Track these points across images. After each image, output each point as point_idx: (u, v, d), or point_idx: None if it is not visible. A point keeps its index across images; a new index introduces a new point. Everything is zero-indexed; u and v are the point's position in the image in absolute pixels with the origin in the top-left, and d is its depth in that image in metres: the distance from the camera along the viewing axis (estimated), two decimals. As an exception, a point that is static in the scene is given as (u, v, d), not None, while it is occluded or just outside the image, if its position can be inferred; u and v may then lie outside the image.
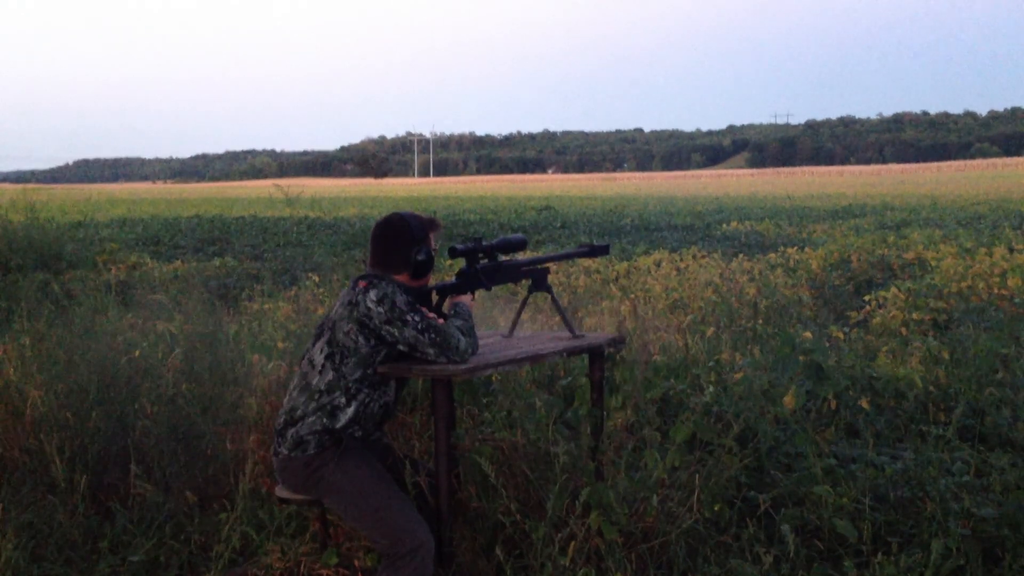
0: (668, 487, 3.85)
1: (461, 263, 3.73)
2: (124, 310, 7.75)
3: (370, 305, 3.23)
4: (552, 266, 11.67)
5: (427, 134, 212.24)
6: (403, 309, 3.23)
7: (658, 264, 11.97)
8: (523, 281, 3.85)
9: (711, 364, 5.92)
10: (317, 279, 10.41)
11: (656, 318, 8.23)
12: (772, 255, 12.17)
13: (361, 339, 3.25)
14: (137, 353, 5.28)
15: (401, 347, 3.25)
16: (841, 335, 7.16)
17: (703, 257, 12.51)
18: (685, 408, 4.83)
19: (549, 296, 3.83)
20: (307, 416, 3.27)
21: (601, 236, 17.31)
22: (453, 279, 3.64)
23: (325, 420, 3.25)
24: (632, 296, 9.33)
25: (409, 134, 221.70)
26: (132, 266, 13.09)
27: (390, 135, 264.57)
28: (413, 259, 3.39)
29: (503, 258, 3.74)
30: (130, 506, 4.38)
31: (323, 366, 3.29)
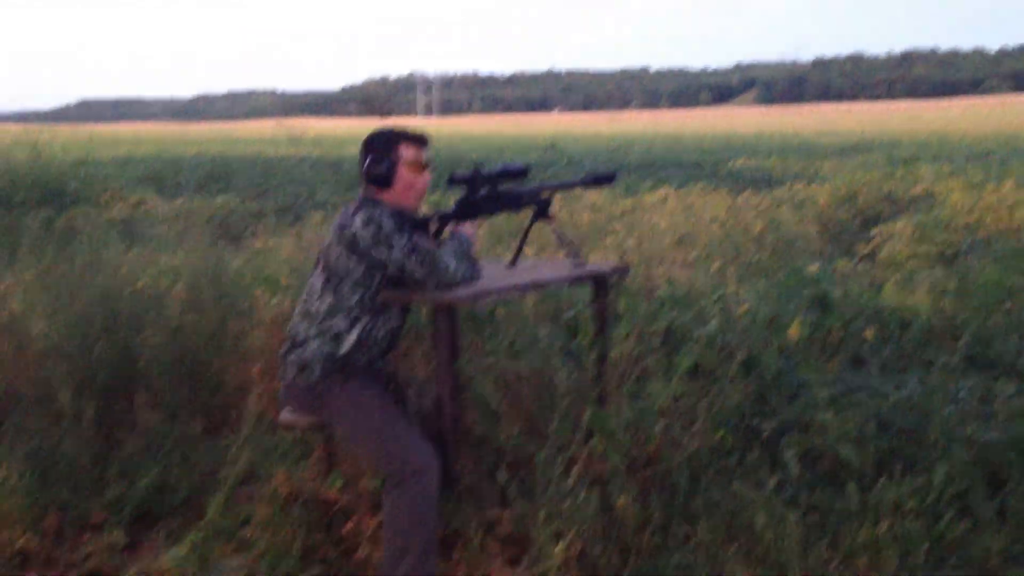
0: (671, 415, 3.85)
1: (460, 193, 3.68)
2: (128, 245, 7.74)
3: (357, 227, 3.20)
4: (557, 202, 11.63)
5: (430, 74, 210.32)
6: (389, 232, 3.19)
7: (664, 200, 11.91)
8: (525, 210, 3.81)
9: (716, 297, 5.91)
10: (320, 217, 10.39)
11: (661, 253, 8.21)
12: (779, 191, 12.10)
13: (352, 262, 3.22)
14: (140, 284, 5.28)
15: (391, 270, 3.22)
16: (848, 267, 7.15)
17: (710, 193, 12.43)
18: (689, 339, 4.83)
19: (552, 226, 3.79)
20: (309, 340, 3.26)
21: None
22: (453, 207, 3.60)
23: (328, 346, 3.24)
24: (637, 232, 9.30)
25: (412, 74, 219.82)
26: (135, 204, 13.04)
27: (393, 75, 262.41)
28: (372, 171, 3.33)
29: (504, 187, 3.70)
30: (137, 434, 4.41)
31: (321, 291, 3.28)
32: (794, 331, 5.07)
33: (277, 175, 17.37)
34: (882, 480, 3.54)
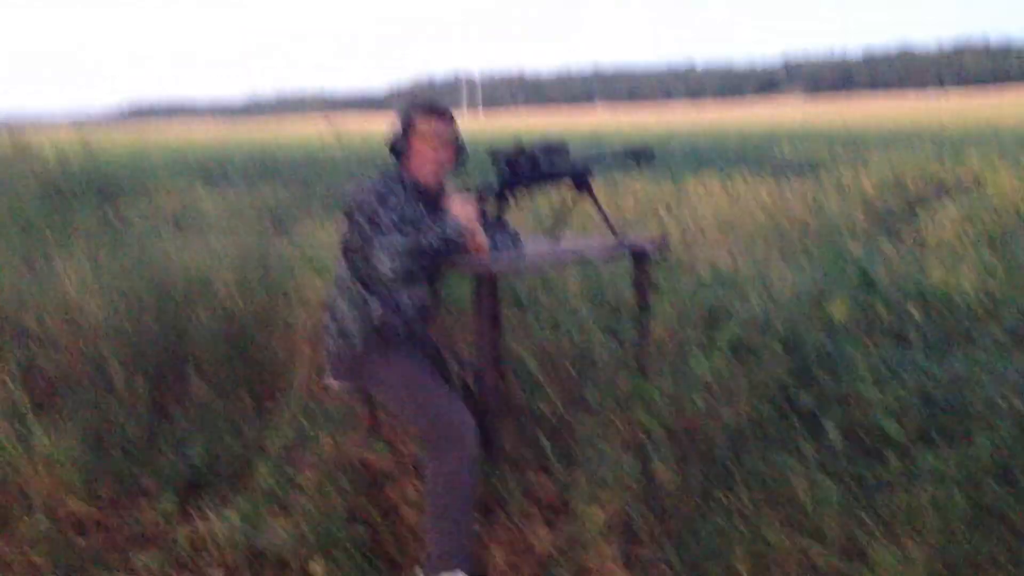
0: (712, 388, 3.88)
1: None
2: (178, 232, 7.90)
3: (348, 197, 3.29)
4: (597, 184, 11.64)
5: (475, 72, 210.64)
6: (360, 207, 3.22)
7: (707, 189, 11.86)
8: (565, 186, 3.84)
9: (758, 278, 5.91)
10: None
11: (705, 238, 8.21)
12: (825, 178, 12.00)
13: (353, 232, 3.28)
14: (190, 266, 5.40)
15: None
16: (894, 250, 7.09)
17: (754, 181, 12.36)
18: (731, 317, 4.84)
19: (592, 200, 3.82)
20: (342, 307, 3.34)
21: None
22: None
23: (359, 313, 3.30)
24: (680, 218, 9.30)
25: (457, 73, 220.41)
26: (185, 196, 13.25)
27: (439, 75, 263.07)
28: (389, 140, 3.41)
29: (545, 162, 3.74)
30: (187, 407, 4.52)
31: (341, 261, 3.37)
32: (838, 309, 5.06)
33: (323, 169, 17.52)
34: (924, 451, 3.54)
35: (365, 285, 3.31)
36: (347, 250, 3.33)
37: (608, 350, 3.86)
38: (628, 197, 10.55)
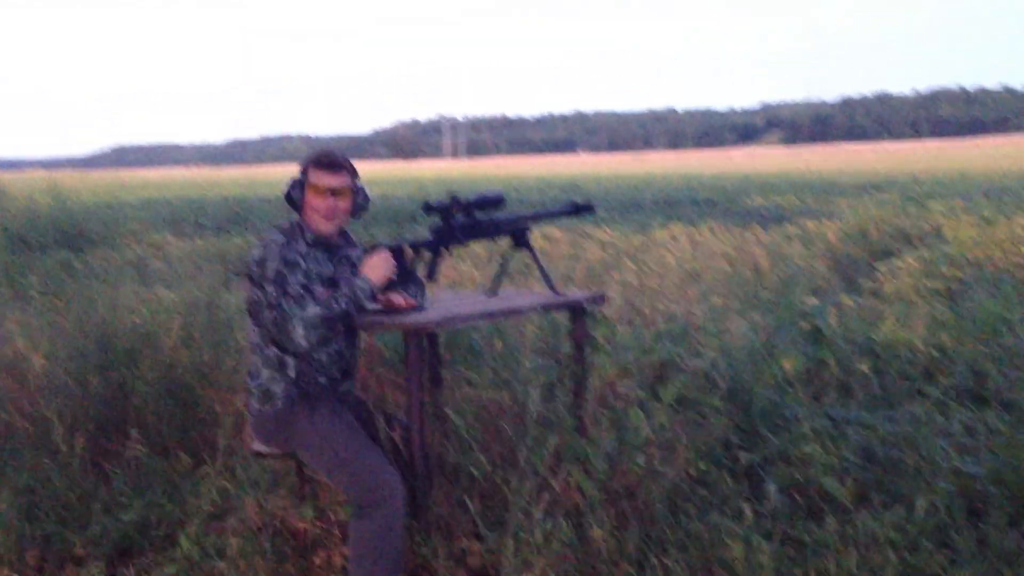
0: (653, 445, 3.84)
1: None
2: (138, 283, 7.84)
3: (252, 261, 3.26)
4: (561, 238, 11.66)
5: (459, 116, 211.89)
6: (270, 276, 3.18)
7: (675, 237, 11.92)
8: (503, 239, 3.83)
9: (712, 330, 5.90)
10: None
11: (667, 288, 8.21)
12: (789, 227, 12.08)
13: (259, 293, 3.24)
14: (136, 320, 5.34)
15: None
16: (851, 302, 7.10)
17: (721, 230, 12.44)
18: (679, 370, 4.82)
19: (531, 254, 3.81)
20: (261, 370, 3.31)
21: (621, 212, 17.24)
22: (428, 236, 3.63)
23: (278, 373, 3.28)
24: (644, 268, 9.31)
25: (441, 117, 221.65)
26: (152, 245, 13.21)
27: (422, 118, 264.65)
28: (287, 193, 3.40)
29: (482, 215, 3.73)
30: (126, 469, 4.45)
31: (252, 322, 3.33)
32: (788, 364, 5.06)
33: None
34: (862, 512, 3.51)
35: (280, 346, 3.27)
36: (255, 314, 3.30)
37: (545, 406, 3.82)
38: (593, 248, 10.56)
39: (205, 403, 4.77)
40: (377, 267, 3.31)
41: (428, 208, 3.61)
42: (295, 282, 3.18)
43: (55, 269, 9.52)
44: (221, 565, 3.27)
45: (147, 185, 38.47)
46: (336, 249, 3.45)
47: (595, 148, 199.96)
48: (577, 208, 3.96)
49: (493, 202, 3.72)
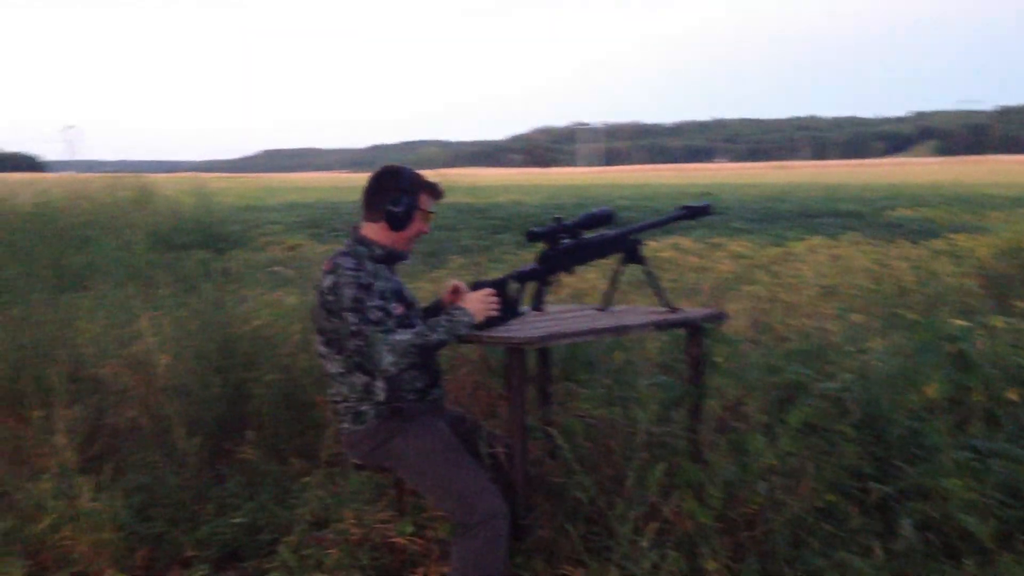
0: (776, 473, 3.61)
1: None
2: (266, 286, 7.98)
3: (325, 291, 3.17)
4: (692, 248, 11.36)
5: (595, 123, 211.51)
6: (347, 305, 3.10)
7: (813, 250, 11.46)
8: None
9: (849, 351, 5.58)
10: (461, 262, 10.46)
11: (801, 305, 7.87)
12: (938, 242, 11.46)
13: (337, 321, 3.15)
14: (256, 324, 5.40)
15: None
16: (1002, 324, 6.63)
17: (862, 244, 11.91)
18: (808, 394, 4.56)
19: (644, 270, 3.64)
20: (348, 398, 3.23)
21: (758, 223, 16.74)
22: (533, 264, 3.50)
23: (365, 397, 3.20)
24: (779, 282, 8.96)
25: (577, 124, 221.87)
26: (290, 247, 13.52)
27: (559, 124, 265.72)
28: (390, 208, 3.25)
29: (589, 235, 3.58)
30: (239, 471, 4.48)
31: (327, 354, 3.25)
32: (930, 389, 4.73)
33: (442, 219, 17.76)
34: (1004, 554, 3.21)
35: (366, 372, 3.19)
36: (334, 344, 3.21)
37: (659, 428, 3.64)
38: (725, 260, 10.24)
39: (319, 409, 4.77)
40: (479, 303, 3.22)
41: (532, 236, 3.47)
42: (373, 306, 3.10)
43: (193, 269, 9.79)
44: (320, 576, 3.21)
45: (291, 189, 39.64)
46: (397, 258, 3.39)
47: (735, 157, 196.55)
48: (691, 211, 3.77)
49: (601, 220, 3.56)
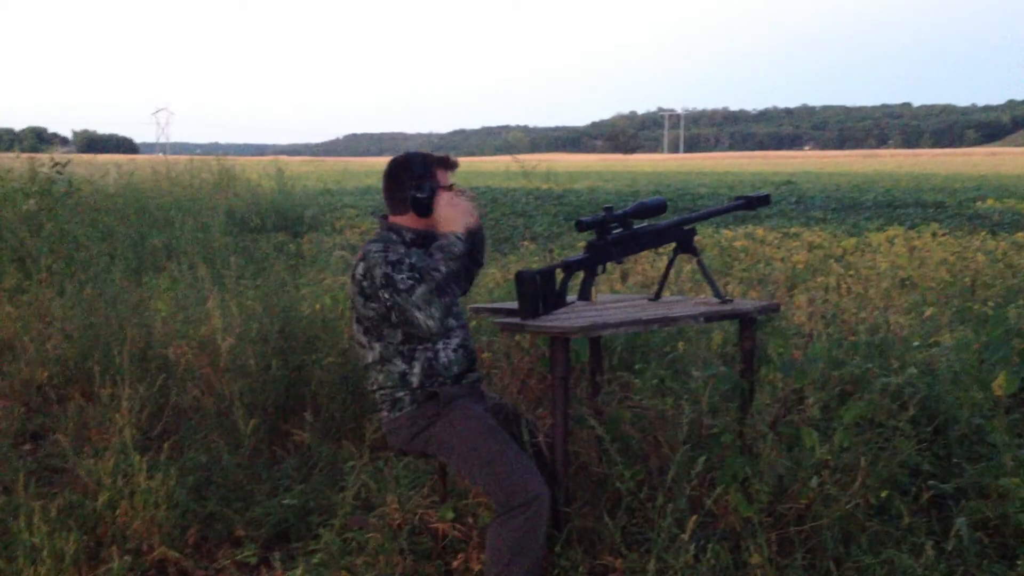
0: (829, 468, 3.54)
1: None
2: (335, 271, 8.07)
3: (359, 278, 3.16)
4: (767, 237, 11.15)
5: (678, 109, 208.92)
6: (379, 283, 3.09)
7: (890, 241, 11.17)
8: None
9: (917, 345, 5.44)
10: (533, 248, 10.46)
11: (873, 296, 7.68)
12: (1021, 235, 11.07)
13: (375, 305, 3.15)
14: (318, 307, 5.48)
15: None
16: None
17: (943, 235, 11.56)
18: (868, 387, 4.45)
19: (696, 260, 3.59)
20: (384, 386, 3.24)
21: (838, 212, 16.38)
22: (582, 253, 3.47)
23: (401, 384, 3.21)
24: (853, 273, 8.76)
25: (660, 109, 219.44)
26: (364, 231, 13.66)
27: (641, 111, 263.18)
28: (411, 196, 3.24)
29: (641, 224, 3.54)
30: (294, 452, 4.55)
31: (366, 343, 3.25)
32: (999, 385, 4.58)
33: (501, 206, 17.75)
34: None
35: (402, 356, 3.21)
36: (373, 330, 3.23)
37: (708, 420, 3.59)
38: (800, 251, 10.04)
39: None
40: (451, 218, 3.21)
41: (581, 225, 3.44)
42: (403, 278, 3.09)
43: (268, 252, 9.96)
44: (360, 561, 3.25)
45: (369, 173, 40.07)
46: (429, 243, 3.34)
47: (823, 144, 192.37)
48: (750, 201, 3.70)
49: (653, 210, 3.51)
